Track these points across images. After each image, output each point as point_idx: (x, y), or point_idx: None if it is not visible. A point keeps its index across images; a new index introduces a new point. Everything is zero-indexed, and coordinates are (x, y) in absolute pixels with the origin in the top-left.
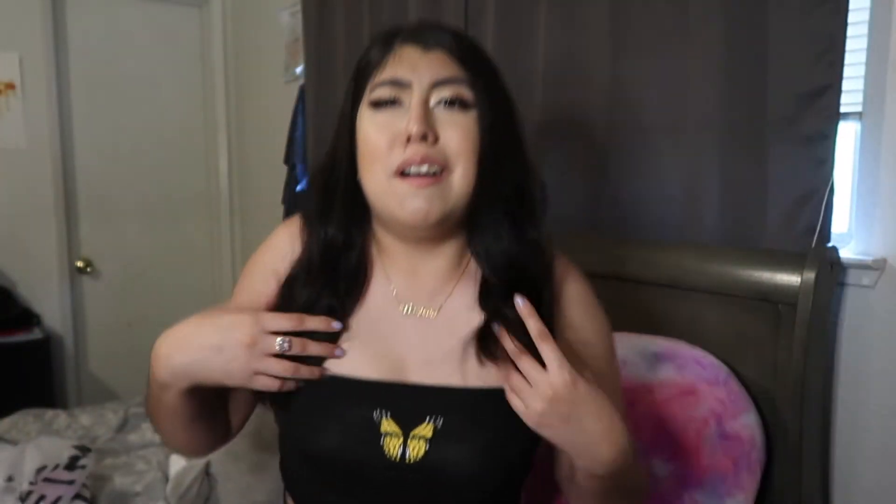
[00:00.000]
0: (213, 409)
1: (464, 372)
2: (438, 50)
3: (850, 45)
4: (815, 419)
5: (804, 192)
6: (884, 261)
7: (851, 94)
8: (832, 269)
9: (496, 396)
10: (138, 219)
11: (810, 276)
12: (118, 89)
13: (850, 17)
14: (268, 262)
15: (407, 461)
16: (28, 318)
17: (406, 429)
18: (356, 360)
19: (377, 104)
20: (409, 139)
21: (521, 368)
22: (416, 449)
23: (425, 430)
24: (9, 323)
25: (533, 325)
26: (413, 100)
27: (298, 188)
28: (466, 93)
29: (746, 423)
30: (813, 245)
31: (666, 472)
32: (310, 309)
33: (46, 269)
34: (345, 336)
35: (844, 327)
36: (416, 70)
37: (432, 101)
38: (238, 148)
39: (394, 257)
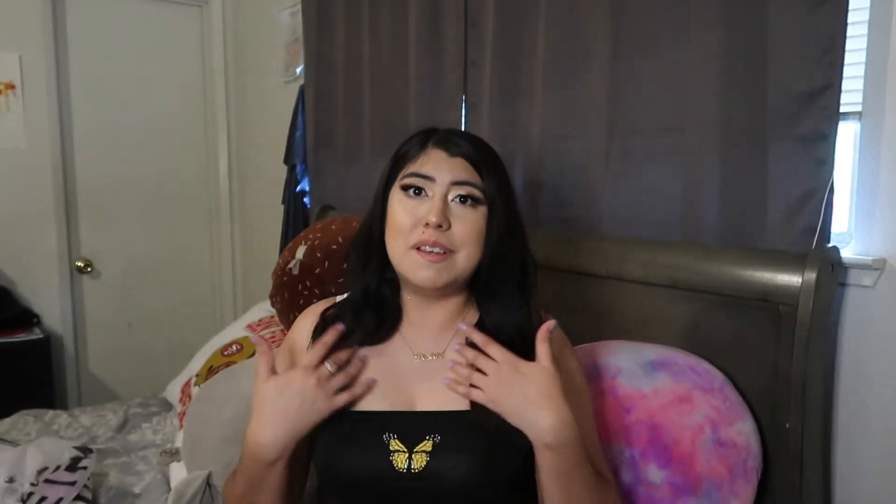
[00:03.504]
0: (299, 473)
1: (459, 398)
2: (460, 157)
3: (850, 45)
4: (815, 420)
5: (804, 192)
6: (884, 261)
7: (851, 94)
8: (833, 270)
9: (486, 413)
10: (138, 219)
11: (811, 276)
12: (118, 89)
13: (850, 17)
14: (291, 346)
15: (413, 471)
16: (28, 318)
17: (410, 446)
18: (373, 398)
19: (407, 189)
20: (427, 224)
21: (487, 352)
22: (419, 461)
23: (426, 445)
24: (9, 323)
25: (477, 337)
26: (435, 194)
27: (298, 188)
28: (478, 193)
29: (742, 431)
30: (813, 245)
31: (661, 478)
32: (344, 336)
33: (46, 269)
34: (368, 376)
35: (845, 327)
36: (441, 170)
37: (450, 196)
38: (238, 148)
39: (406, 310)
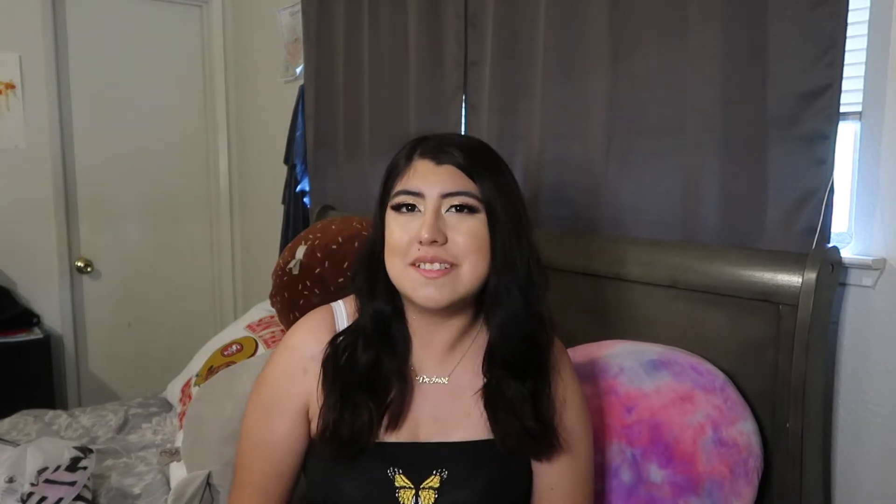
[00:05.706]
0: None
1: (467, 427)
2: (449, 165)
3: (850, 45)
4: (815, 420)
5: (804, 192)
6: (884, 261)
7: (851, 94)
8: (833, 270)
9: (493, 445)
10: (138, 219)
11: (811, 276)
12: (118, 89)
13: (850, 17)
14: (296, 364)
15: None
16: (28, 318)
17: (417, 482)
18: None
19: (398, 208)
20: (421, 242)
21: None
22: (427, 498)
23: (433, 481)
24: (9, 323)
25: None
26: (427, 209)
27: (298, 188)
28: (473, 201)
29: (743, 431)
30: (813, 245)
31: (662, 478)
32: (373, 371)
33: (46, 269)
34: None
35: (845, 327)
36: (429, 183)
37: (444, 208)
38: (238, 148)
39: (413, 331)
